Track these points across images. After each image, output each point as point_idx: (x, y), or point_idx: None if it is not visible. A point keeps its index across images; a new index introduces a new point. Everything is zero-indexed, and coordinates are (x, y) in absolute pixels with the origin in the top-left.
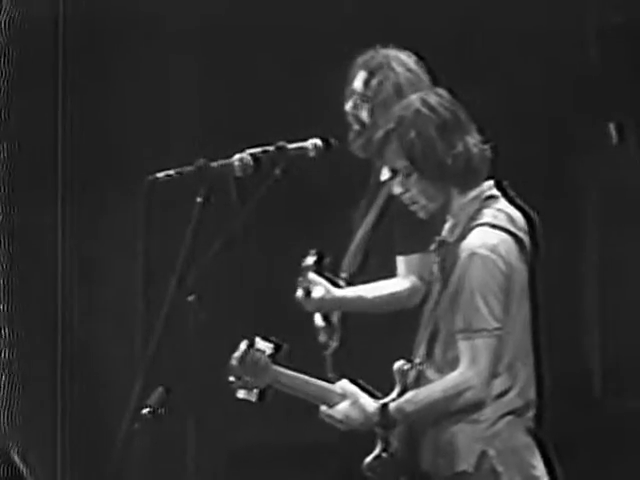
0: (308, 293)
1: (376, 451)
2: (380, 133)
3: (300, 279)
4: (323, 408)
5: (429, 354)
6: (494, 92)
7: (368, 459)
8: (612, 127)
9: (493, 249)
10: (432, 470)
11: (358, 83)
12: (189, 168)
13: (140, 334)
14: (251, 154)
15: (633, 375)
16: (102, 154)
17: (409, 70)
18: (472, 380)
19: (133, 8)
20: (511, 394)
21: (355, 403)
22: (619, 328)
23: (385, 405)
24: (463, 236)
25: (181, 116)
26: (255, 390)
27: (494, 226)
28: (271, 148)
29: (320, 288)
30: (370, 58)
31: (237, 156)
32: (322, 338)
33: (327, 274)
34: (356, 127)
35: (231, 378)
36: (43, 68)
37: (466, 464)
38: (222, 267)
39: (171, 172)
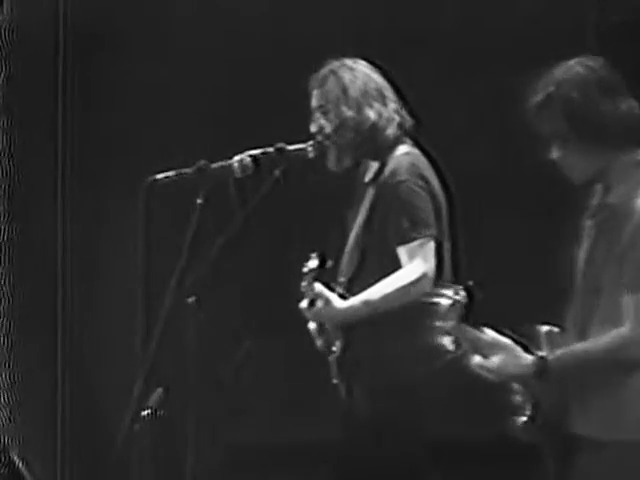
0: (312, 303)
1: (528, 413)
2: (539, 96)
3: (304, 284)
4: (477, 359)
5: (585, 321)
6: (492, 91)
7: (520, 421)
8: None
9: None
10: (592, 434)
11: (313, 101)
12: (189, 170)
13: (140, 335)
14: (251, 155)
15: None
16: (102, 155)
17: (352, 69)
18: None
19: (133, 8)
20: None
21: (511, 353)
22: None
23: (543, 356)
24: (632, 196)
25: (181, 117)
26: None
27: None
28: (271, 149)
29: (322, 301)
30: (318, 75)
31: (237, 158)
32: (320, 344)
33: (327, 281)
34: (326, 143)
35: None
36: (43, 69)
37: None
38: (222, 268)
39: (171, 173)
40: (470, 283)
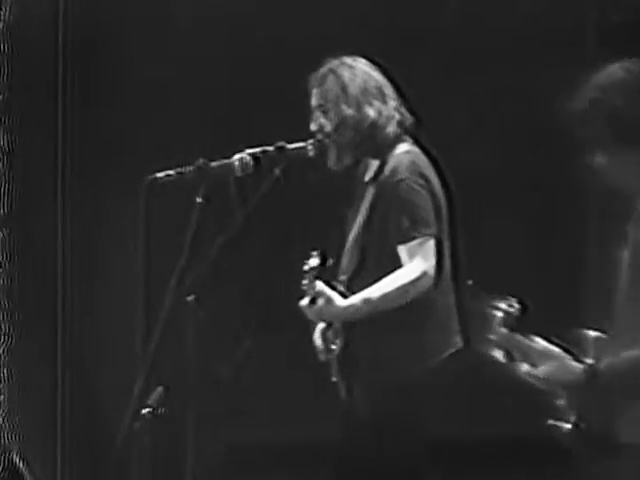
0: (313, 301)
1: (572, 421)
2: (582, 102)
3: (305, 282)
4: (525, 368)
5: (634, 328)
6: (492, 91)
7: (564, 429)
8: None
9: None
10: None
11: (313, 99)
12: (189, 168)
13: (140, 334)
14: (251, 154)
15: None
16: (102, 154)
17: (351, 68)
18: None
19: (133, 8)
20: None
21: (561, 361)
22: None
23: (593, 364)
24: None
25: (181, 116)
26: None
27: None
28: (271, 148)
29: (323, 299)
30: (317, 73)
31: (237, 156)
32: (321, 344)
33: (328, 279)
34: (326, 141)
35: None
36: (43, 69)
37: None
38: (222, 267)
39: (171, 172)
40: (470, 282)
